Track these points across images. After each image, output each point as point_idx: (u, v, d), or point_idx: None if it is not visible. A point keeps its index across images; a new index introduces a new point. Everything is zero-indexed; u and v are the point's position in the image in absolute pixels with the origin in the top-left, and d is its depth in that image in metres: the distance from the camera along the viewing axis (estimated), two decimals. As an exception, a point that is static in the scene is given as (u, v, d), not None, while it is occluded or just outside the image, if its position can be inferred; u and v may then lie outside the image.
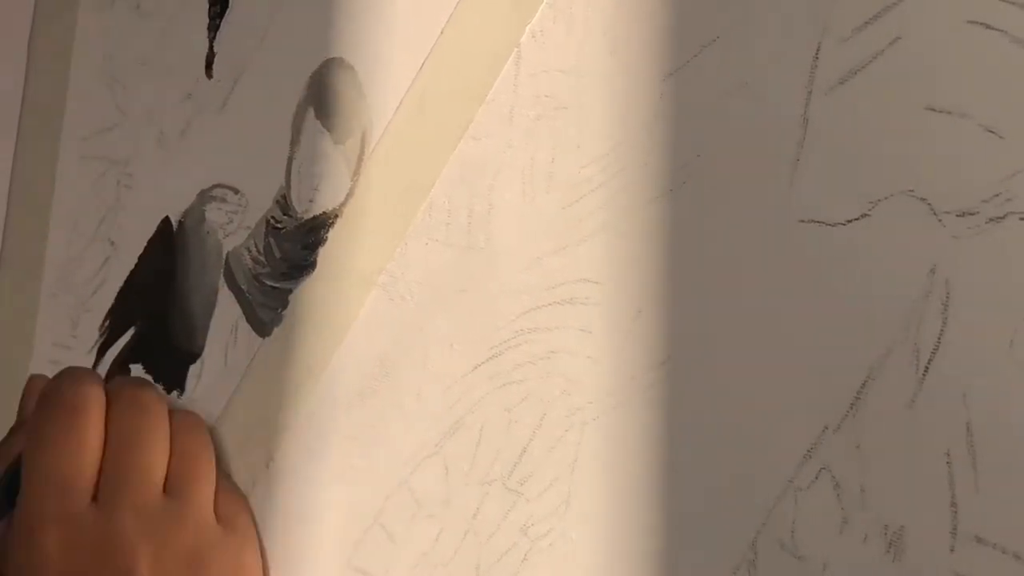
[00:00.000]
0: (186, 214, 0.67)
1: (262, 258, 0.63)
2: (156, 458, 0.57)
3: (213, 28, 0.67)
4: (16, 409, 0.61)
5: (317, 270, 0.60)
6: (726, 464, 0.45)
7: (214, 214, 0.66)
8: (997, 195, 0.40)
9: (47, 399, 0.58)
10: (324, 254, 0.60)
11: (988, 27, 0.40)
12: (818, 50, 0.44)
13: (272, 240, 0.63)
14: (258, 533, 0.59)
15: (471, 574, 0.52)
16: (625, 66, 0.49)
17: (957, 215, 0.40)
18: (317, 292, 0.60)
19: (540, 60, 0.52)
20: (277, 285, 0.62)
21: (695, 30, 0.48)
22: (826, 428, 0.43)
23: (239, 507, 0.59)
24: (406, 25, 0.57)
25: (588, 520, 0.49)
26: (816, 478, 0.43)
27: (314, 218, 0.60)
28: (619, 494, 0.48)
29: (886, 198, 0.42)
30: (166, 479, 0.57)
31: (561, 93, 0.51)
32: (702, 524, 0.45)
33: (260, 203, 0.64)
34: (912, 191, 0.41)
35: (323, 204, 0.60)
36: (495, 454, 0.52)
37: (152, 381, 0.63)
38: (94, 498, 0.56)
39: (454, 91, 0.55)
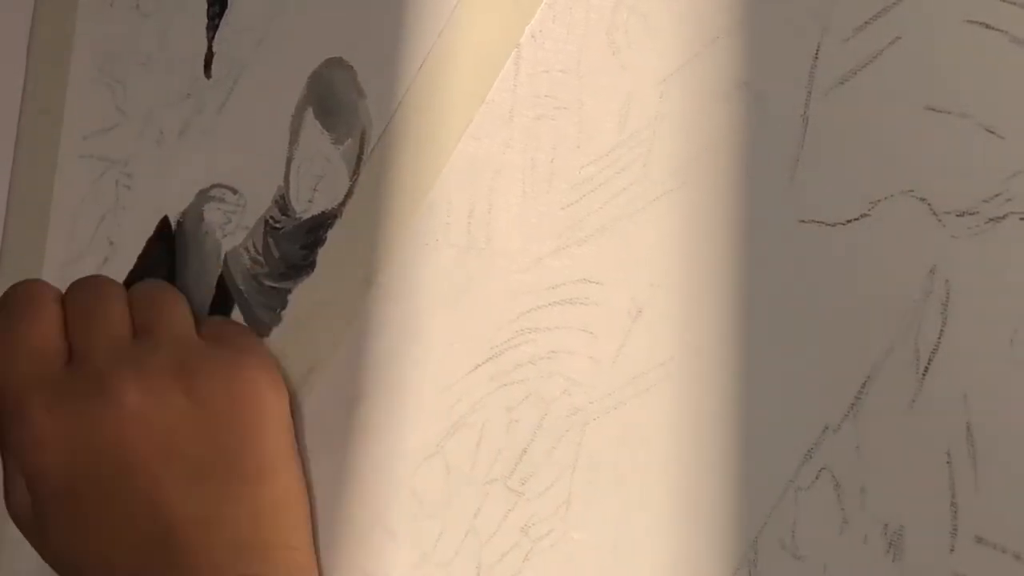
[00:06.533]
0: (184, 214, 0.67)
1: (261, 258, 0.63)
2: (117, 308, 0.57)
3: (212, 28, 0.67)
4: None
5: (316, 270, 0.60)
6: (727, 464, 0.45)
7: (212, 214, 0.66)
8: (997, 195, 0.40)
9: (2, 299, 0.58)
10: (323, 254, 0.60)
11: (988, 27, 0.40)
12: (818, 50, 0.44)
13: (271, 240, 0.63)
14: (270, 354, 0.57)
15: (472, 574, 0.52)
16: (625, 66, 0.49)
17: (957, 215, 0.40)
18: (316, 292, 0.60)
19: (540, 60, 0.52)
20: (276, 285, 0.62)
21: (695, 30, 0.48)
22: (826, 428, 0.43)
23: (229, 327, 0.58)
24: (405, 25, 0.57)
25: (589, 520, 0.49)
26: (816, 478, 0.43)
27: (313, 218, 0.60)
28: (620, 494, 0.48)
29: (886, 198, 0.42)
30: (133, 327, 0.57)
31: (561, 93, 0.51)
32: (703, 524, 0.45)
33: (259, 203, 0.64)
34: (912, 191, 0.41)
35: (322, 204, 0.60)
36: (496, 454, 0.52)
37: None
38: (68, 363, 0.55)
39: (454, 91, 0.55)
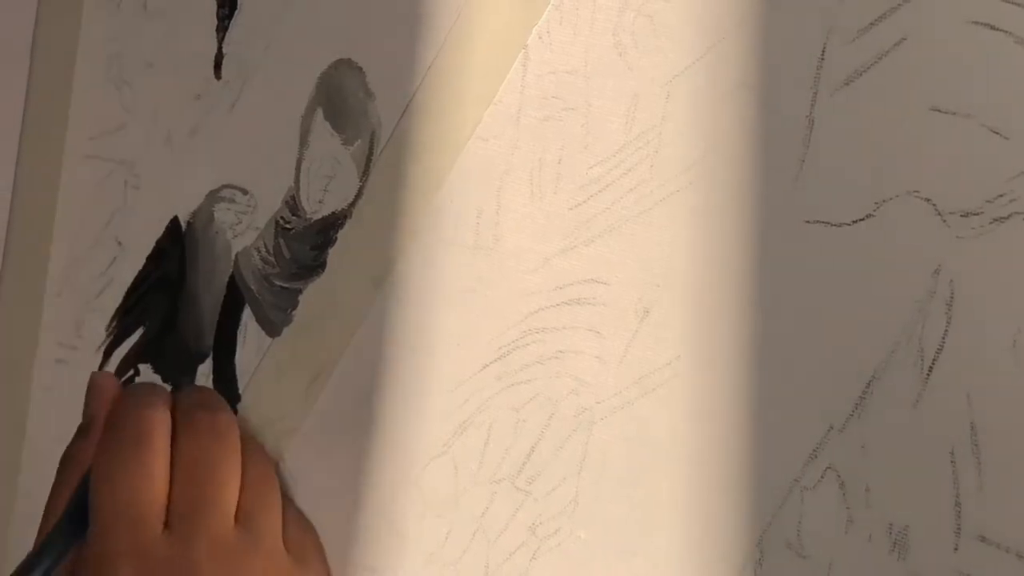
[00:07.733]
0: (195, 215, 0.67)
1: (271, 258, 0.63)
2: (229, 489, 0.56)
3: (222, 29, 0.67)
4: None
5: (326, 270, 0.60)
6: (732, 463, 0.45)
7: (223, 214, 0.66)
8: (1001, 195, 0.40)
9: (113, 427, 0.57)
10: (333, 254, 0.60)
11: (992, 28, 0.40)
12: (824, 51, 0.44)
13: (281, 241, 0.63)
14: (327, 565, 0.58)
15: (480, 573, 0.52)
16: (632, 67, 0.50)
17: (961, 215, 0.40)
18: (326, 292, 0.60)
19: (547, 61, 0.52)
20: (287, 285, 0.62)
21: (701, 31, 0.48)
22: (831, 428, 0.43)
23: (308, 539, 0.58)
24: (414, 26, 0.57)
25: (596, 519, 0.49)
26: (822, 478, 0.43)
27: (323, 219, 0.61)
28: (627, 493, 0.48)
29: (891, 199, 0.42)
30: (237, 508, 0.56)
31: (568, 94, 0.51)
32: (709, 523, 0.45)
33: (269, 204, 0.64)
34: (917, 192, 0.42)
35: (332, 205, 0.60)
36: (503, 453, 0.52)
37: (223, 399, 0.61)
38: (165, 525, 0.55)
39: (462, 92, 0.55)
